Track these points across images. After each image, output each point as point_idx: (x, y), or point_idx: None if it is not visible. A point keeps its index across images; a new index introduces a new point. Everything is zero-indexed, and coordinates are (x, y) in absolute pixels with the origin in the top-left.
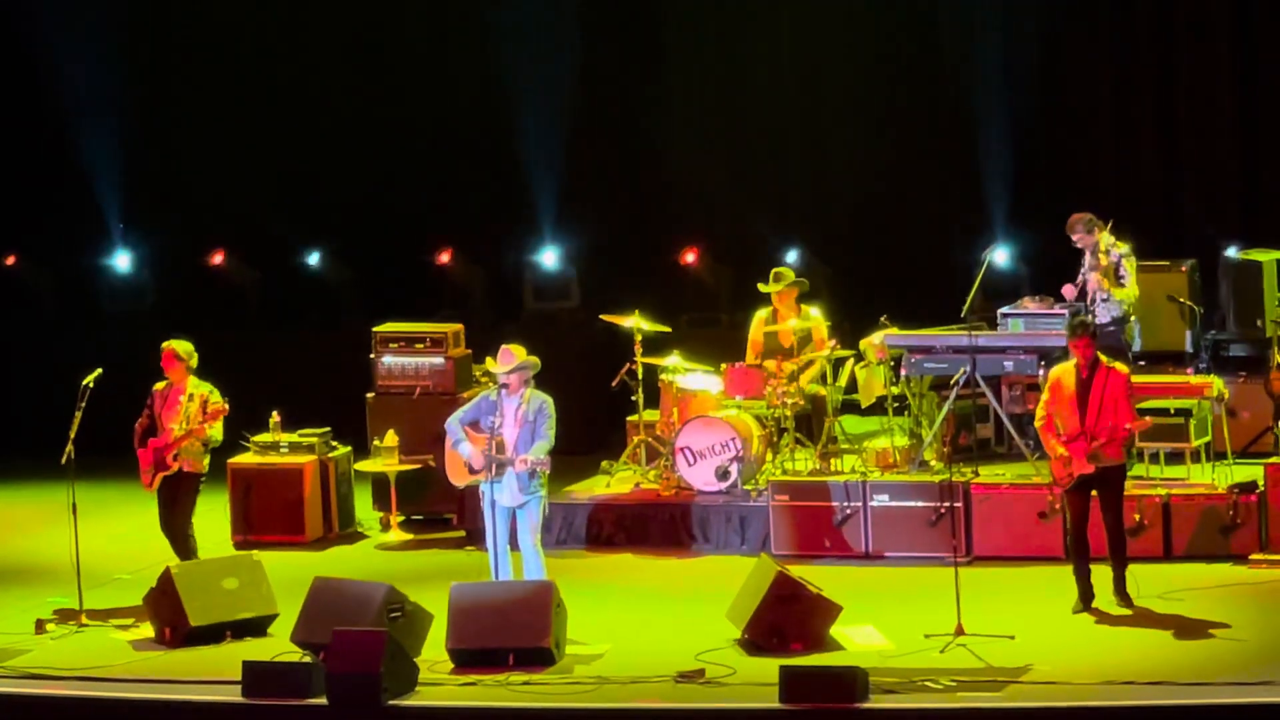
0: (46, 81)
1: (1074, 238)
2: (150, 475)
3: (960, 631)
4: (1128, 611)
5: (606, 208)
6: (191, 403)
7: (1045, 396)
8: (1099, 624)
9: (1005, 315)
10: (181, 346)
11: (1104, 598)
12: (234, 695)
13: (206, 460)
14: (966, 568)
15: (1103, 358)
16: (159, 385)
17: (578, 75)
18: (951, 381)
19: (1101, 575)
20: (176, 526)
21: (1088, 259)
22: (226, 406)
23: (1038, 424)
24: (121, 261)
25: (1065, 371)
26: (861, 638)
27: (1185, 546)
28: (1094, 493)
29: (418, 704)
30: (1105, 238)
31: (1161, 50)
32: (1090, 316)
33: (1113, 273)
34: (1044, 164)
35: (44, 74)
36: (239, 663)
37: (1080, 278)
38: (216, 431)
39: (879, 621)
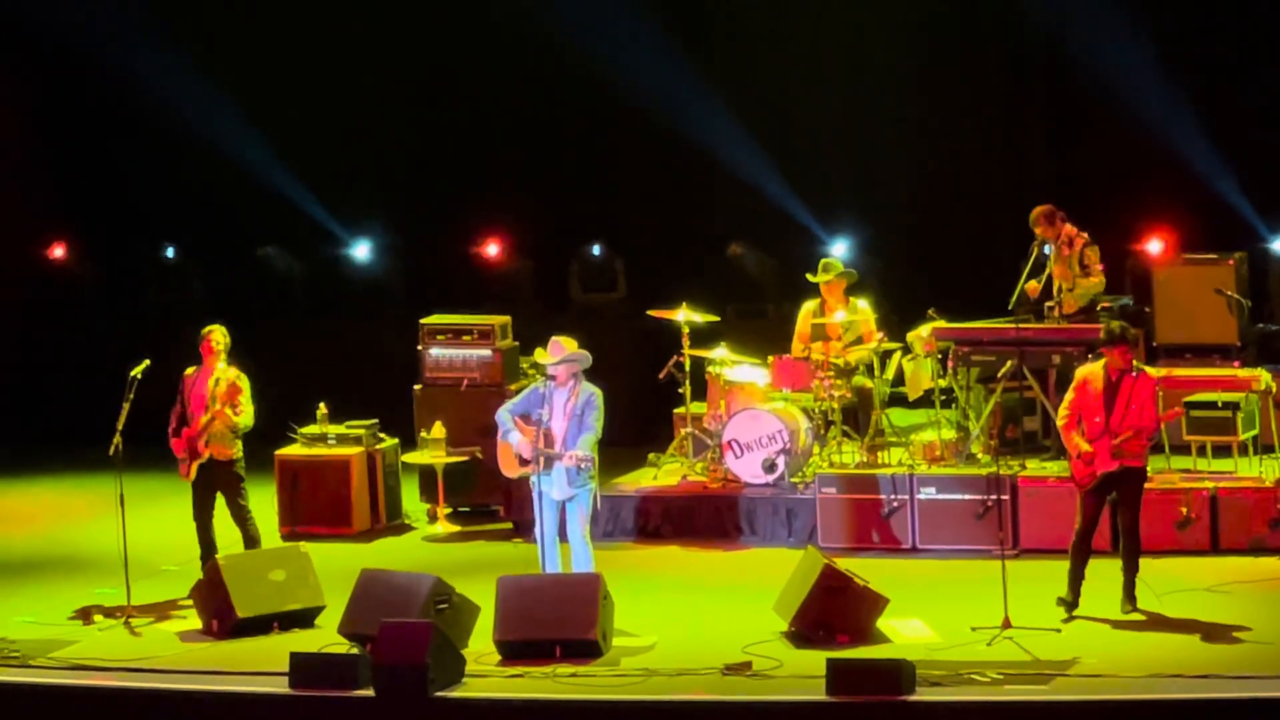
0: (94, 72)
1: (1037, 231)
2: (187, 464)
3: (1007, 624)
4: (1140, 616)
5: (653, 199)
6: (218, 386)
7: (1070, 396)
8: (1145, 617)
9: (1052, 308)
10: (220, 331)
11: (1094, 604)
12: (281, 686)
13: (238, 446)
14: (1013, 560)
15: (1135, 363)
16: (189, 371)
17: (626, 66)
18: (999, 374)
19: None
20: (241, 519)
21: (1051, 252)
22: (242, 385)
23: (1060, 423)
24: (169, 252)
25: (1093, 373)
26: (908, 630)
27: (1232, 540)
28: (1113, 494)
29: (465, 696)
30: (1067, 229)
31: (1206, 39)
32: (1110, 317)
33: (1076, 263)
34: (1090, 156)
35: (91, 65)
36: (286, 654)
37: (1045, 273)
38: (245, 418)
39: (926, 614)
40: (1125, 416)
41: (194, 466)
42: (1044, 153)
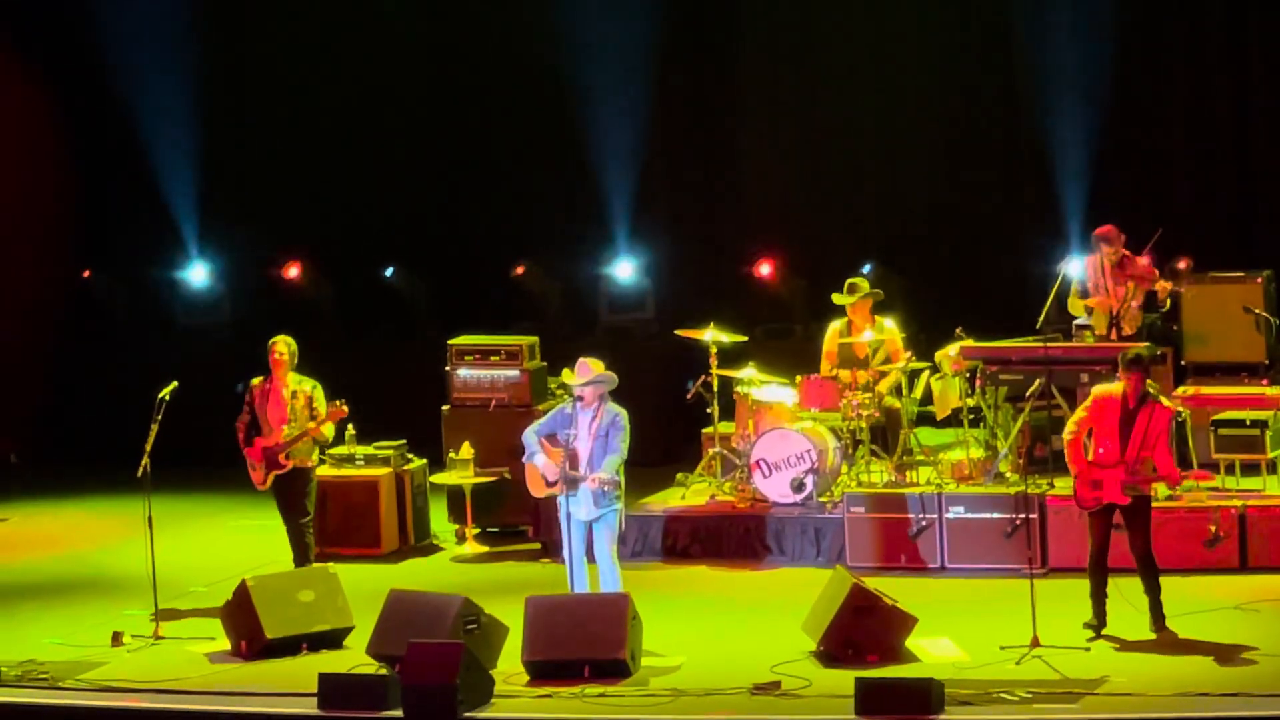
0: (122, 97)
1: (1109, 250)
2: (263, 473)
3: (1035, 643)
4: (1169, 635)
5: (681, 220)
6: (296, 400)
7: (1082, 415)
8: (1174, 636)
9: (1080, 327)
10: (284, 341)
11: (1123, 623)
12: (310, 707)
13: (316, 454)
14: (1042, 579)
15: (1151, 389)
16: (256, 380)
17: (653, 87)
18: (1027, 393)
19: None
20: (296, 524)
21: (1109, 271)
22: (345, 410)
23: (1066, 438)
24: (197, 275)
25: (1111, 394)
26: (937, 649)
27: (1261, 558)
28: (1119, 519)
29: (493, 716)
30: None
31: (1236, 60)
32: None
33: (1154, 275)
34: (1118, 176)
35: (120, 89)
36: (315, 675)
37: (1102, 291)
38: (329, 430)
39: (954, 633)
40: (1141, 449)
41: (271, 476)
42: (1070, 171)
